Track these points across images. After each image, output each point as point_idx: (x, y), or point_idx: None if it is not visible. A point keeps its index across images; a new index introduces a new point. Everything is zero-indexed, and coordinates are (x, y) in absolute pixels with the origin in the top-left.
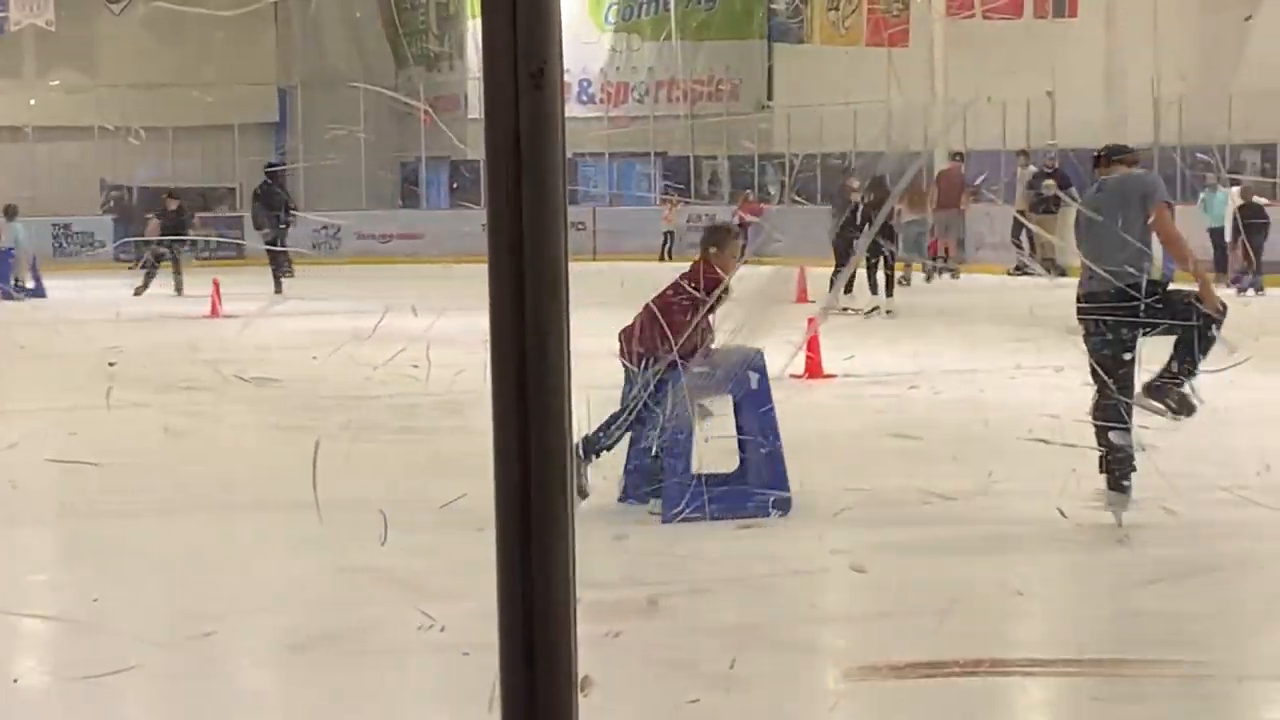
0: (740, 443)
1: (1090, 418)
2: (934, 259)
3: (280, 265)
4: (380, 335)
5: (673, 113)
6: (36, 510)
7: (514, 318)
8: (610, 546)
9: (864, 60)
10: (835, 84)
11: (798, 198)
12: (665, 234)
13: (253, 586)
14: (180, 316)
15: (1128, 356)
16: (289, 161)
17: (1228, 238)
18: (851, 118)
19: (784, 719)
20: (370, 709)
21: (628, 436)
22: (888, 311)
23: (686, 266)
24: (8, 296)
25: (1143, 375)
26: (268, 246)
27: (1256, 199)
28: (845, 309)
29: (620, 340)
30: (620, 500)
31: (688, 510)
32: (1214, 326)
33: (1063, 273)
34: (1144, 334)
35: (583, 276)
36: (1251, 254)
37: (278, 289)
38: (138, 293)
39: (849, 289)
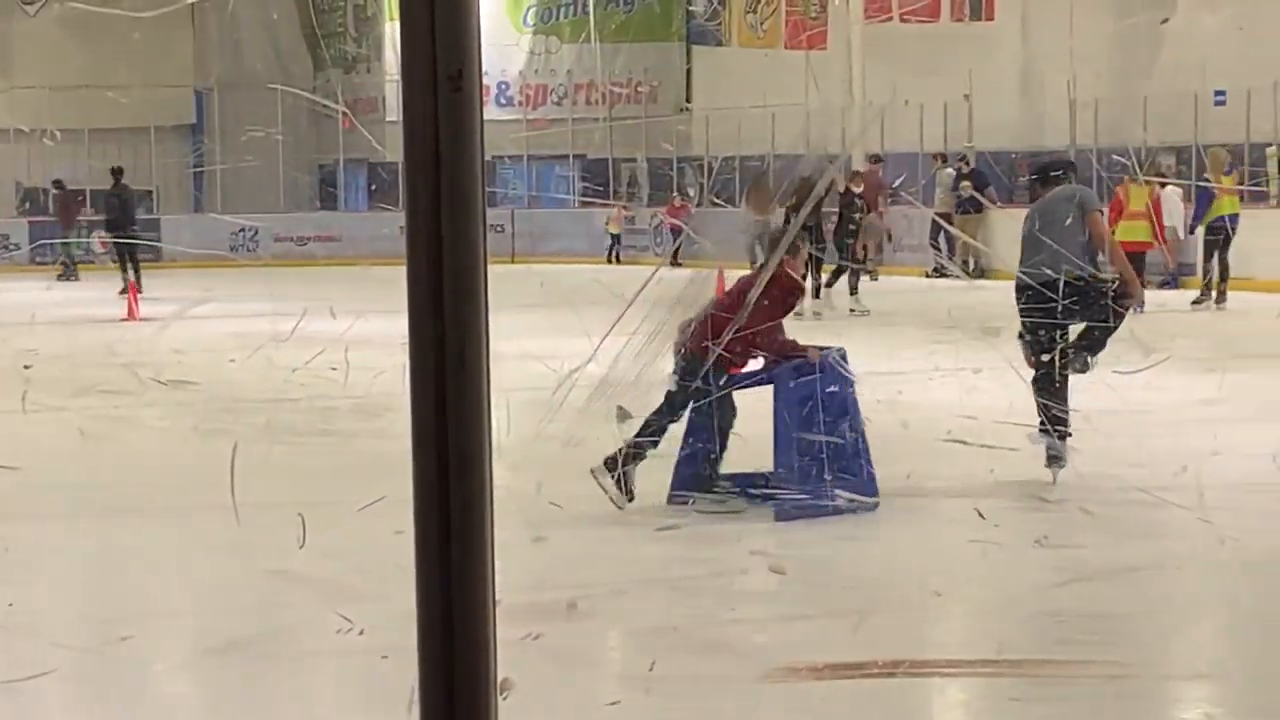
0: (813, 438)
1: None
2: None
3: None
4: (299, 337)
5: (591, 115)
6: None
7: (433, 320)
8: (530, 549)
9: (782, 63)
10: (753, 86)
11: (717, 200)
12: (612, 237)
13: (171, 590)
14: (97, 320)
15: (1056, 335)
16: (206, 163)
17: (1183, 236)
18: (770, 120)
19: None
20: (289, 712)
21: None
22: (863, 311)
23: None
24: None
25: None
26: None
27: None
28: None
29: (686, 335)
30: (671, 500)
31: (793, 507)
32: (1120, 315)
33: (982, 274)
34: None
35: (501, 279)
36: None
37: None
38: (64, 278)
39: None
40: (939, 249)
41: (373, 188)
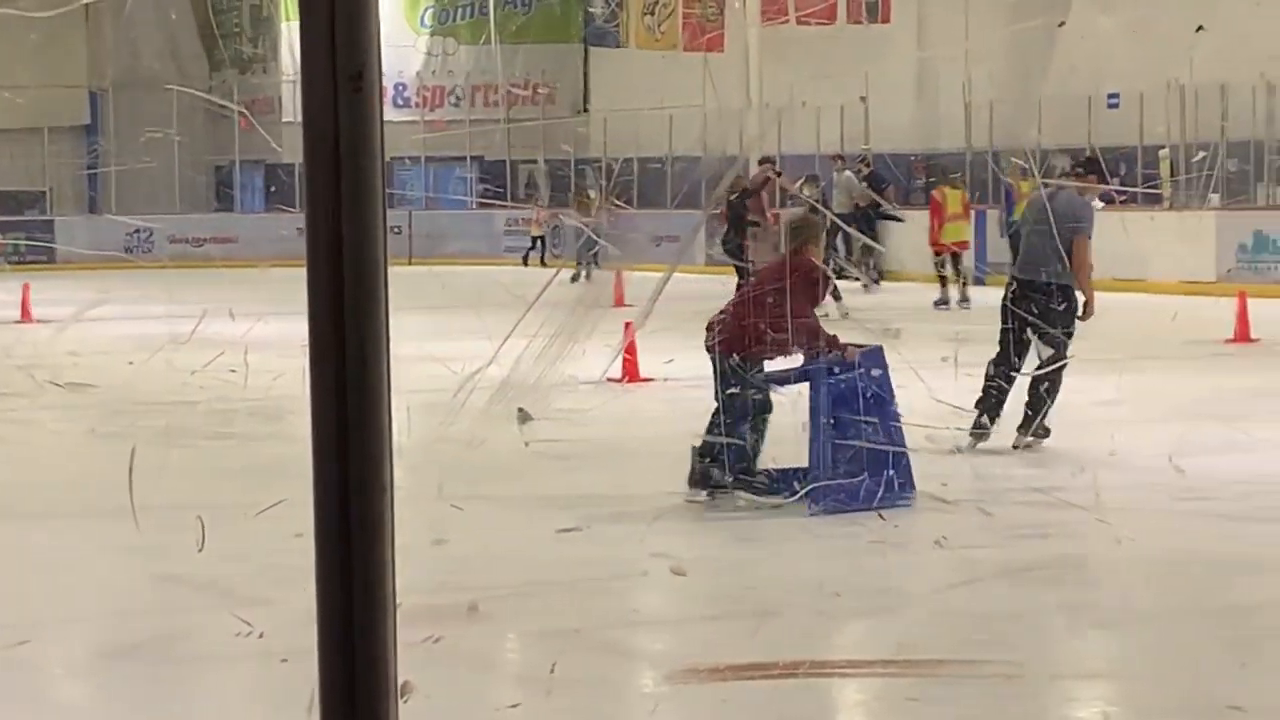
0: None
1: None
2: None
3: None
4: (198, 340)
5: (490, 117)
6: None
7: (333, 321)
8: (430, 551)
9: (680, 65)
10: (652, 88)
11: (617, 201)
12: (534, 239)
13: (68, 595)
14: None
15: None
16: (102, 164)
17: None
18: (668, 121)
19: None
20: (188, 716)
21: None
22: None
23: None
24: None
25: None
26: None
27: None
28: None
29: (714, 335)
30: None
31: (828, 503)
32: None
33: (881, 276)
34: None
35: (400, 280)
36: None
37: None
38: None
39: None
40: (837, 250)
41: (271, 189)
